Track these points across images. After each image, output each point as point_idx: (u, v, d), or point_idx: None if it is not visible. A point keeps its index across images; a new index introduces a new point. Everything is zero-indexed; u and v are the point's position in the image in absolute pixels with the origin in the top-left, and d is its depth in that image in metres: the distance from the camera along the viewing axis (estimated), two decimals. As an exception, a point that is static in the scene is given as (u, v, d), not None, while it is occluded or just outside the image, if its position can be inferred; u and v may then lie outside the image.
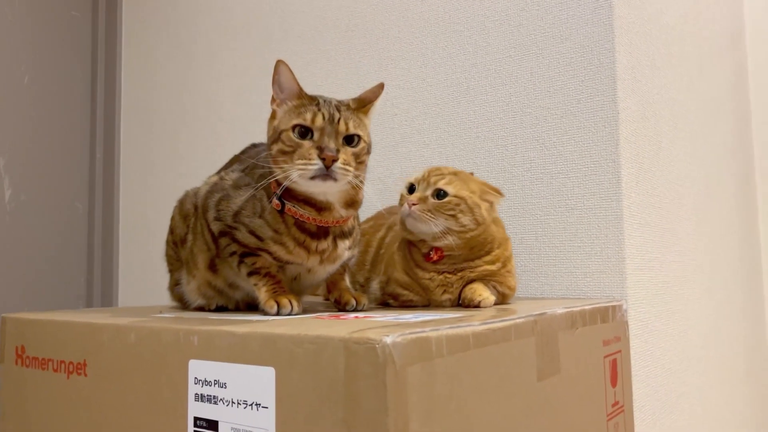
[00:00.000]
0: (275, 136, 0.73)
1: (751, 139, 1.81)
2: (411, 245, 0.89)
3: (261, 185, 0.77)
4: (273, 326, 0.60)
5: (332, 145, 0.69)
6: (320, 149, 0.69)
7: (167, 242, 0.97)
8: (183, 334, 0.63)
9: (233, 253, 0.79)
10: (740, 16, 1.80)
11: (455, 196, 0.84)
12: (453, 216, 0.84)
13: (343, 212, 0.77)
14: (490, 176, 1.13)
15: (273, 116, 0.75)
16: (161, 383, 0.65)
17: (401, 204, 0.87)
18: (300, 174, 0.69)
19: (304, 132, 0.71)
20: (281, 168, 0.72)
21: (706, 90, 1.46)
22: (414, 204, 0.83)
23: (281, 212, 0.75)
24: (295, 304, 0.73)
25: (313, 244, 0.76)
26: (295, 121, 0.71)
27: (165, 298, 0.97)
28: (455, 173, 0.87)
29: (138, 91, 1.86)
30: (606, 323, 0.87)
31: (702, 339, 1.32)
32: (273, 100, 0.75)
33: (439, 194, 0.84)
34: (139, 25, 1.87)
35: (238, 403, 0.57)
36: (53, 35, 1.81)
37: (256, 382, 0.56)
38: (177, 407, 0.63)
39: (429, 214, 0.83)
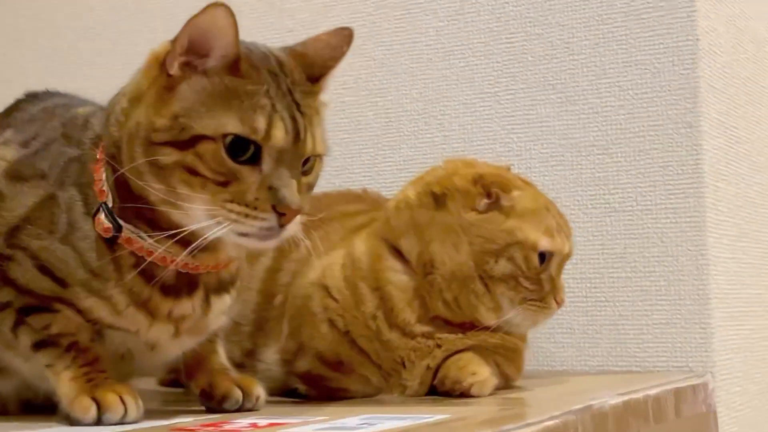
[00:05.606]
0: (179, 137, 0.54)
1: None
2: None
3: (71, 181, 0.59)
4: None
5: (294, 188, 0.55)
6: (275, 194, 0.54)
7: None
8: None
9: (5, 306, 0.60)
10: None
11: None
12: None
13: (234, 252, 0.61)
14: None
15: (167, 88, 0.55)
16: None
17: None
18: (229, 229, 0.54)
19: (244, 146, 0.54)
20: (168, 192, 0.54)
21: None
22: None
23: (111, 241, 0.57)
24: (131, 403, 0.56)
25: (166, 306, 0.59)
26: (233, 127, 0.54)
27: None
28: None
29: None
30: (681, 416, 0.75)
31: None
32: (172, 55, 0.55)
33: None
34: None
35: None
36: None
37: None
38: None
39: None
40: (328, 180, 0.81)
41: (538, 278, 0.69)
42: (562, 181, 0.97)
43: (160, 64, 0.55)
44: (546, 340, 0.93)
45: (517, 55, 1.01)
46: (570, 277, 0.90)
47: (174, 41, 0.55)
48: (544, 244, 0.70)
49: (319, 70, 0.60)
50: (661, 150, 0.92)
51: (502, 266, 0.68)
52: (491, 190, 0.70)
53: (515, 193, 0.72)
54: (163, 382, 0.81)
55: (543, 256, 0.70)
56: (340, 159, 0.97)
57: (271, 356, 0.77)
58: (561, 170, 0.98)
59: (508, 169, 0.78)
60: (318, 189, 0.66)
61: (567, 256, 0.73)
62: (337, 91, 0.96)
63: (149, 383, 0.81)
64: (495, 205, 0.70)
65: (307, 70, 0.59)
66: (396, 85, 1.07)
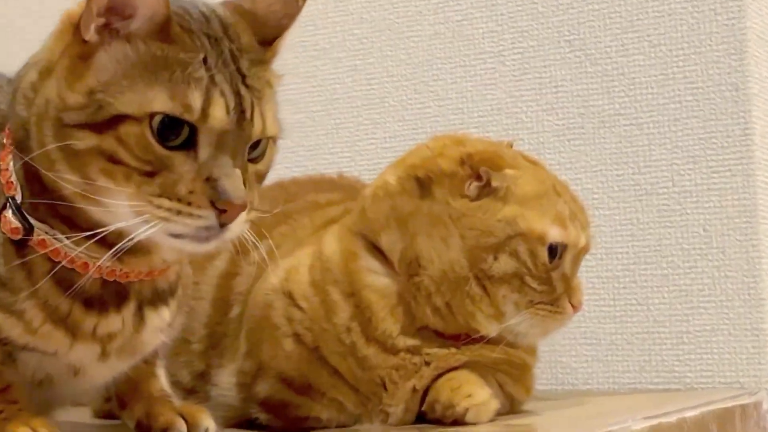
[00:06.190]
0: (95, 117, 0.51)
1: None
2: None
3: None
4: None
5: (238, 179, 0.52)
6: (214, 187, 0.51)
7: None
8: None
9: None
10: None
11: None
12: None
13: (171, 255, 0.59)
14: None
15: (82, 57, 0.52)
16: None
17: None
18: (159, 229, 0.51)
19: (175, 128, 0.51)
20: (84, 184, 0.52)
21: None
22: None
23: (21, 243, 0.55)
24: None
25: (89, 321, 0.56)
26: (161, 105, 0.51)
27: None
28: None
29: None
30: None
31: None
32: (88, 16, 0.52)
33: None
34: None
35: None
36: None
37: None
38: None
39: None
40: (298, 163, 0.77)
41: (548, 277, 0.65)
42: (581, 158, 0.93)
43: (74, 27, 0.52)
44: (565, 353, 0.90)
45: (525, 5, 0.96)
46: (593, 276, 0.87)
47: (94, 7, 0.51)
48: (554, 235, 0.66)
49: (272, 31, 0.56)
50: (701, 119, 0.88)
51: (503, 263, 0.64)
52: (480, 171, 0.66)
53: (509, 172, 0.67)
54: (100, 413, 0.76)
55: (553, 250, 0.67)
56: (312, 137, 0.93)
57: (226, 379, 0.74)
58: (580, 145, 0.94)
59: (510, 145, 0.75)
60: (287, 174, 0.61)
61: (584, 250, 0.69)
62: (307, 54, 0.92)
63: (82, 414, 0.78)
64: (487, 188, 0.65)
65: (256, 31, 0.56)
66: (379, 45, 1.03)
